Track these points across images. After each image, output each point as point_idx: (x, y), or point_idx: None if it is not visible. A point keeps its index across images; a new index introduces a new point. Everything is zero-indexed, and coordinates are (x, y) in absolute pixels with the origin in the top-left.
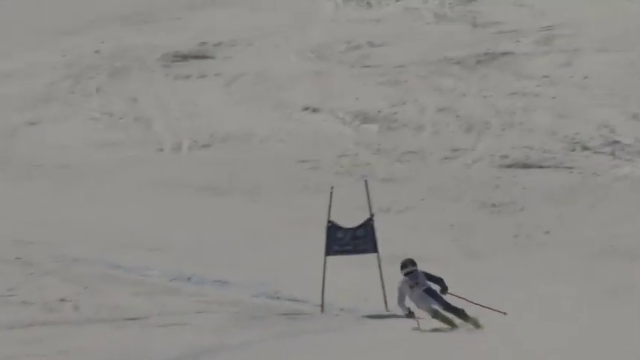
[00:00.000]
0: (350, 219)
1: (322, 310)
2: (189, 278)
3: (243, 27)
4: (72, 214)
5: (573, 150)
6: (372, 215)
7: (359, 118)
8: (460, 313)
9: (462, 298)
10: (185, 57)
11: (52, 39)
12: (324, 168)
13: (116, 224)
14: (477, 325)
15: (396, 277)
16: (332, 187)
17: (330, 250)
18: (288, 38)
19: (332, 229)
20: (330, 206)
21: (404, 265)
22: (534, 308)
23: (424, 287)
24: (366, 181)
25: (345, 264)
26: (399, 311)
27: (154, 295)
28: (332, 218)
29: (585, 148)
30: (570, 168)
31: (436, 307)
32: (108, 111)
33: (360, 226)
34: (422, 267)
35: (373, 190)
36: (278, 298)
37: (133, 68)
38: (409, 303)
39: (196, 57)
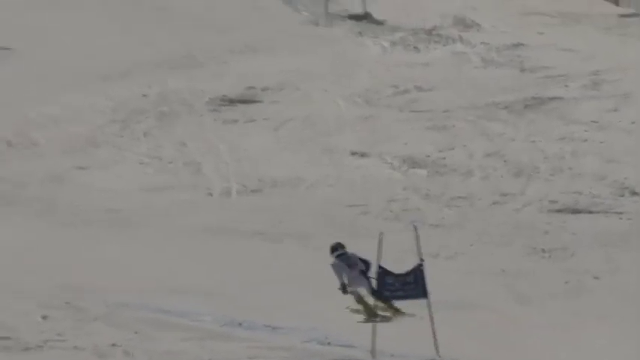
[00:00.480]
0: (399, 264)
1: (373, 356)
2: (240, 324)
3: (289, 71)
4: (120, 258)
5: (622, 195)
6: (421, 261)
7: (407, 162)
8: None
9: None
10: (232, 101)
11: (98, 83)
12: (373, 213)
13: (165, 269)
14: (399, 313)
15: (446, 321)
16: (381, 233)
17: (380, 296)
18: (336, 83)
19: (382, 274)
20: (379, 252)
21: (334, 249)
22: (584, 354)
23: (361, 268)
24: (415, 226)
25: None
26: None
27: (204, 341)
28: (382, 264)
29: (634, 193)
30: (620, 213)
31: (363, 291)
32: (156, 155)
33: (409, 272)
34: (472, 313)
35: (422, 236)
36: (329, 343)
37: (180, 112)
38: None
39: (244, 101)
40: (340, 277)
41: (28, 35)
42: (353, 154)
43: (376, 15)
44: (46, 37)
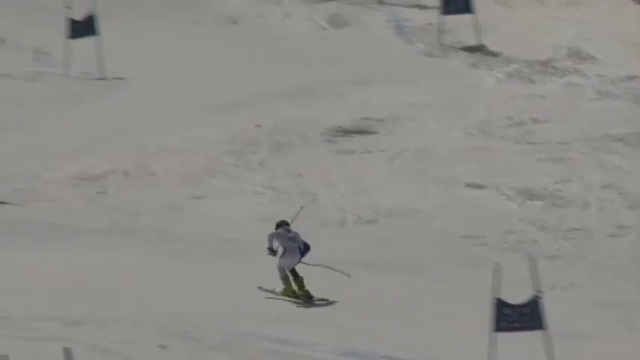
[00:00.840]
0: (515, 296)
1: None
2: (354, 353)
3: (404, 102)
4: (235, 288)
5: None
6: (538, 292)
7: (523, 194)
8: (298, 279)
9: (306, 263)
10: (347, 132)
11: (213, 114)
12: (489, 244)
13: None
14: (308, 296)
15: (562, 353)
16: (497, 264)
17: (497, 327)
18: (450, 114)
19: (499, 305)
20: (495, 282)
21: (279, 225)
22: None
23: (299, 244)
24: (532, 257)
25: (511, 340)
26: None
27: None
28: (498, 295)
29: None
30: None
31: (288, 271)
32: (272, 185)
33: (526, 303)
34: (588, 344)
35: (538, 267)
36: None
37: (295, 143)
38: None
39: (359, 132)
40: (271, 242)
41: (141, 65)
42: (468, 185)
43: (490, 47)
44: (160, 67)
